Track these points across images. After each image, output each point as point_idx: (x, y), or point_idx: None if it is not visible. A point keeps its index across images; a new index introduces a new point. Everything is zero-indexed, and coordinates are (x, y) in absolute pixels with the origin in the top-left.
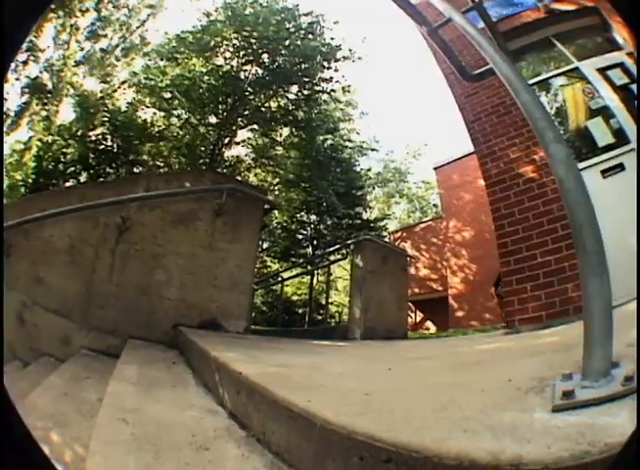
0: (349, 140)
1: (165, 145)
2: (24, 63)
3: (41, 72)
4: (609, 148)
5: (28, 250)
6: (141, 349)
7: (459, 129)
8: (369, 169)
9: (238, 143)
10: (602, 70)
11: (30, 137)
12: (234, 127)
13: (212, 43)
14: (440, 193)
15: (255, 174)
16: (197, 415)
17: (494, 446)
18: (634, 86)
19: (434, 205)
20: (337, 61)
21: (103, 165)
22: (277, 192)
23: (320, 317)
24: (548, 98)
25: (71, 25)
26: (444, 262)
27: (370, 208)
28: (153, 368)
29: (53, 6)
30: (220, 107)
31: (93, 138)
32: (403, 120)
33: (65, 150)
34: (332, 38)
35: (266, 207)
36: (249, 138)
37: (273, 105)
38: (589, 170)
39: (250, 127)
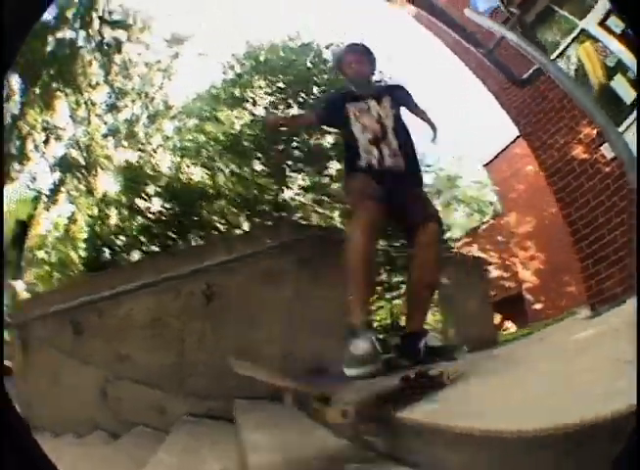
0: None
1: (224, 203)
2: (46, 142)
3: (68, 149)
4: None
5: (103, 328)
6: (251, 407)
7: (489, 125)
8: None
9: (292, 186)
10: (602, 23)
11: (73, 212)
12: (287, 171)
13: (245, 94)
14: (494, 189)
15: (319, 213)
16: None
17: None
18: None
19: (490, 202)
20: None
21: (168, 234)
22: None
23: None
24: (565, 64)
25: (86, 102)
26: (513, 258)
27: None
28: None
29: (59, 85)
30: (269, 154)
31: (148, 207)
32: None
33: (123, 224)
34: None
35: None
36: (303, 179)
37: (321, 142)
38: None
39: (302, 168)
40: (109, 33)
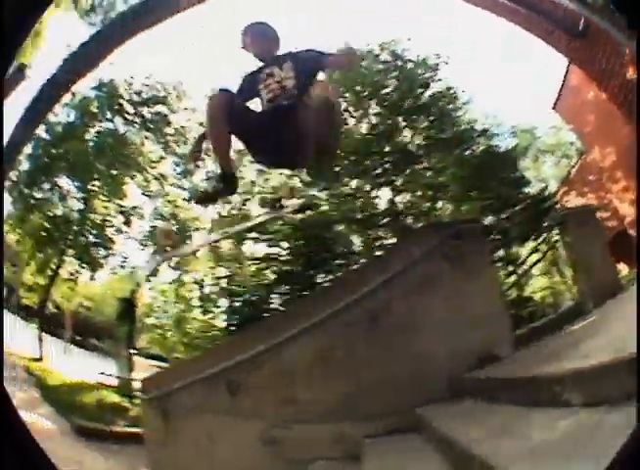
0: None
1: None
2: (127, 223)
3: (153, 221)
4: None
5: (264, 379)
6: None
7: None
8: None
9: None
10: None
11: (180, 275)
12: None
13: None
14: (570, 128)
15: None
16: None
17: None
18: None
19: (571, 143)
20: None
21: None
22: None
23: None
24: None
25: (156, 177)
26: (609, 195)
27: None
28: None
29: (119, 172)
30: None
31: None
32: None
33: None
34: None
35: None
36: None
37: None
38: None
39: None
40: (147, 111)
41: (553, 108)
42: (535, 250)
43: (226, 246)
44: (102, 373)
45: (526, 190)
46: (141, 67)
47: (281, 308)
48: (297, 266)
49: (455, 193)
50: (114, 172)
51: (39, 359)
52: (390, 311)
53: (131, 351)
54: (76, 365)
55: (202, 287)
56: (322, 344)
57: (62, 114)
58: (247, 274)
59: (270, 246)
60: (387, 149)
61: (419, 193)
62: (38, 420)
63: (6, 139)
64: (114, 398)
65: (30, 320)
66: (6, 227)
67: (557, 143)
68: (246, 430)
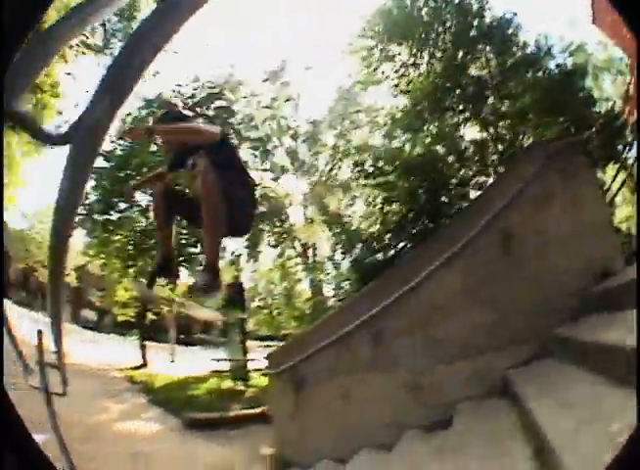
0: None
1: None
2: None
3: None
4: None
5: (408, 322)
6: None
7: None
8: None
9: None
10: None
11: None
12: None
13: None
14: (614, 43)
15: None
16: None
17: None
18: None
19: (620, 58)
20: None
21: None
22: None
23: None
24: None
25: None
26: None
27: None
28: None
29: None
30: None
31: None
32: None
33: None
34: None
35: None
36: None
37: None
38: None
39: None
40: (206, 109)
41: (593, 24)
42: (615, 176)
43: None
44: (216, 359)
45: (597, 109)
46: (182, 73)
47: (409, 249)
48: (415, 205)
49: (534, 119)
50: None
51: (143, 366)
52: (519, 231)
53: (244, 333)
54: (184, 363)
55: (315, 252)
56: (466, 272)
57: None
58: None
59: (384, 190)
60: (461, 83)
61: (500, 124)
62: (145, 425)
63: None
64: (228, 384)
65: (129, 333)
66: (86, 257)
67: (608, 58)
68: (386, 382)
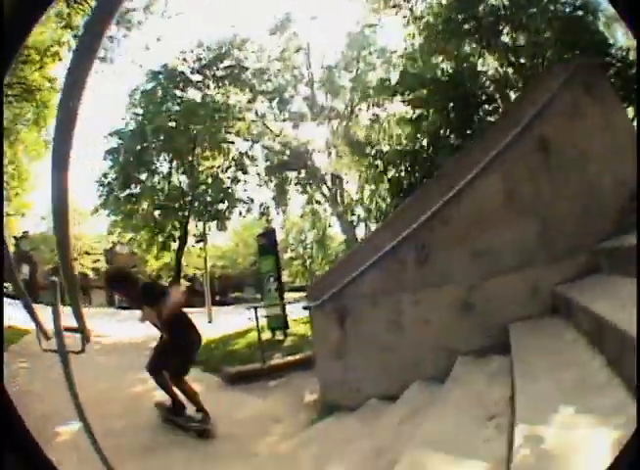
0: None
1: None
2: None
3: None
4: None
5: (451, 236)
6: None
7: None
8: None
9: None
10: None
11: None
12: None
13: None
14: None
15: None
16: None
17: None
18: None
19: None
20: None
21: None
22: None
23: None
24: None
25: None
26: None
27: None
28: None
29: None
30: None
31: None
32: None
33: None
34: None
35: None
36: None
37: None
38: None
39: None
40: (216, 69)
41: None
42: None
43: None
44: (253, 307)
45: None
46: (185, 39)
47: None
48: (449, 120)
49: (552, 54)
50: (209, 127)
51: None
52: (555, 141)
53: (279, 282)
54: (221, 323)
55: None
56: (507, 177)
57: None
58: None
59: (415, 108)
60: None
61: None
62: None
63: None
64: (266, 335)
65: None
66: (112, 237)
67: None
68: (435, 301)
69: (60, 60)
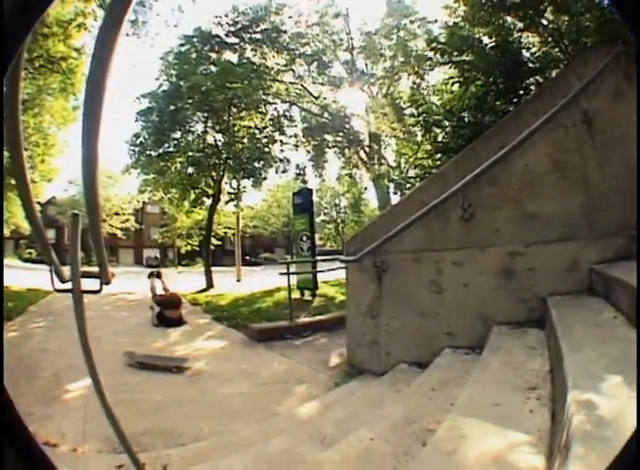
0: None
1: None
2: None
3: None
4: None
5: (498, 196)
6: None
7: None
8: None
9: None
10: None
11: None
12: None
13: None
14: None
15: None
16: None
17: None
18: None
19: None
20: None
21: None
22: None
23: None
24: None
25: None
26: None
27: None
28: None
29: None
30: None
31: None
32: None
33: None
34: None
35: None
36: None
37: None
38: None
39: None
40: (253, 32)
41: None
42: None
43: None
44: (284, 262)
45: None
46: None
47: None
48: (496, 85)
49: (592, 41)
50: (246, 86)
51: (209, 288)
52: (599, 118)
53: (312, 242)
54: (248, 282)
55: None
56: (556, 146)
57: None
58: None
59: (461, 71)
60: None
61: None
62: (207, 343)
63: None
64: (295, 295)
65: (193, 263)
66: (143, 196)
67: None
68: (477, 263)
69: (86, 29)
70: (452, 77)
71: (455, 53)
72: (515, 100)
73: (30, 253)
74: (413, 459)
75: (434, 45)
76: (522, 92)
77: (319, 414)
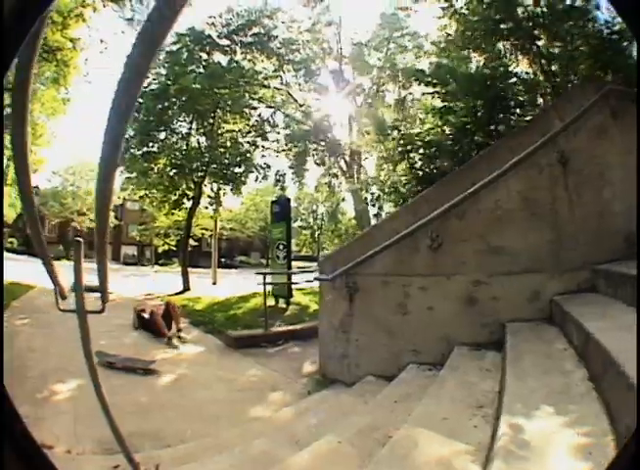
0: None
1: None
2: None
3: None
4: None
5: (466, 230)
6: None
7: None
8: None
9: None
10: None
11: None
12: None
13: None
14: None
15: None
16: None
17: None
18: None
19: None
20: None
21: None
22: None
23: None
24: None
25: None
26: None
27: None
28: None
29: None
30: None
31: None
32: None
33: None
34: None
35: None
36: None
37: None
38: None
39: None
40: (244, 36)
41: None
42: None
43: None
44: (260, 273)
45: None
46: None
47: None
48: (476, 117)
49: (585, 68)
50: (234, 92)
51: (186, 290)
52: (576, 157)
53: (288, 251)
54: (225, 286)
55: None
56: (526, 185)
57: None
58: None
59: (445, 101)
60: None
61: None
62: (184, 348)
63: None
64: (269, 302)
65: (170, 262)
66: (124, 194)
67: None
68: (443, 290)
69: (84, 21)
70: (434, 108)
71: (439, 86)
72: (494, 133)
73: (12, 242)
74: (371, 460)
75: (418, 76)
76: (502, 126)
77: (293, 420)
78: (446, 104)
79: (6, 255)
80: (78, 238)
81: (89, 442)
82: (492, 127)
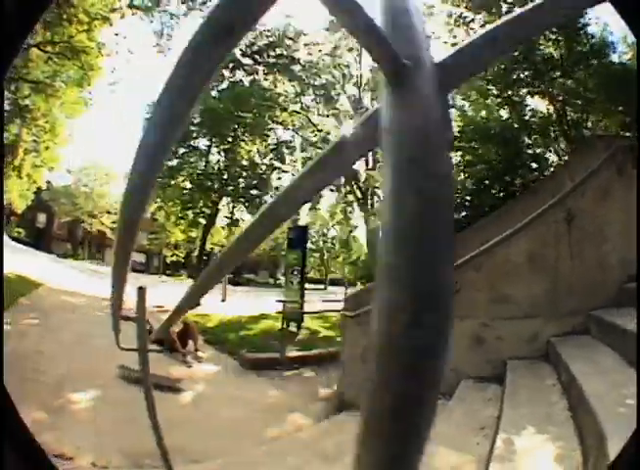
0: None
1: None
2: None
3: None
4: None
5: (481, 279)
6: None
7: None
8: None
9: None
10: None
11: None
12: None
13: None
14: None
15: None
16: None
17: None
18: None
19: None
20: None
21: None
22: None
23: None
24: None
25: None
26: None
27: None
28: None
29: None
30: None
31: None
32: None
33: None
34: None
35: None
36: None
37: None
38: None
39: None
40: (267, 56)
41: None
42: None
43: None
44: (280, 301)
45: None
46: None
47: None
48: (492, 172)
49: (598, 105)
50: (257, 116)
51: (196, 305)
52: (581, 215)
53: (302, 277)
54: (233, 303)
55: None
56: (534, 243)
57: None
58: None
59: (462, 155)
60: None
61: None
62: (198, 367)
63: None
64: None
65: (177, 274)
66: None
67: None
68: (456, 329)
69: (110, 25)
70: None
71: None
72: (512, 187)
73: (19, 232)
74: None
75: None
76: (518, 180)
77: (319, 438)
78: (468, 158)
79: (14, 245)
80: (141, 286)
81: (112, 454)
82: (509, 179)
